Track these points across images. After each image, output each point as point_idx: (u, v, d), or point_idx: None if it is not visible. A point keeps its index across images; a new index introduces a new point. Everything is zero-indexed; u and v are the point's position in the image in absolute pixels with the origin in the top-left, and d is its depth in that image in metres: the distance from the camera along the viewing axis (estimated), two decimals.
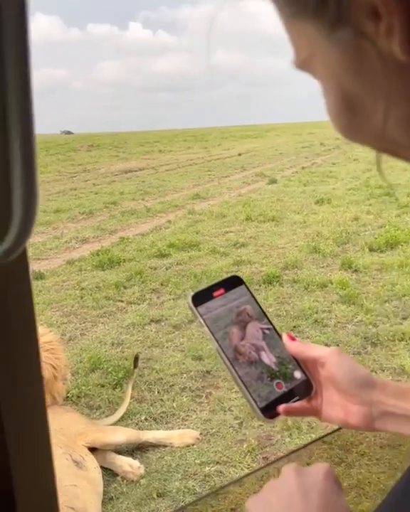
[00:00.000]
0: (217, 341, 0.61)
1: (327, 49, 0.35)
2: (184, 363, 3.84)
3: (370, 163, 12.44)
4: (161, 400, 3.41)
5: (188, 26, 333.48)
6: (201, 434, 3.05)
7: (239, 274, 0.66)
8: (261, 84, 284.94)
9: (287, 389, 0.63)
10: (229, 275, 0.66)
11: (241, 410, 3.23)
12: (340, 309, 4.62)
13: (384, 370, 3.63)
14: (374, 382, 0.63)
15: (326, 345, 3.45)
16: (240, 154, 22.14)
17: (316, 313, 4.55)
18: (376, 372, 3.57)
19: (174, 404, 3.35)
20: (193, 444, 2.96)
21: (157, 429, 3.11)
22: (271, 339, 0.65)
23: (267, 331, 0.65)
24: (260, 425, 3.09)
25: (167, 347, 4.13)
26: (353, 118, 0.37)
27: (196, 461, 2.84)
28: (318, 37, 0.34)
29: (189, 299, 0.63)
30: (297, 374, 0.65)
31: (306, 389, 0.64)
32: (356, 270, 5.62)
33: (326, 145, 24.25)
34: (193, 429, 3.10)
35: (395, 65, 0.32)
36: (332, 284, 5.20)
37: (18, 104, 0.29)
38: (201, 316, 0.62)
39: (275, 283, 5.28)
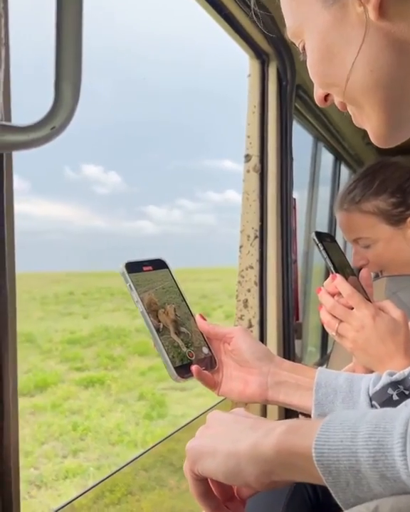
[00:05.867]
0: (143, 304, 0.69)
1: (321, 13, 0.54)
2: None
3: None
4: None
5: None
6: None
7: None
8: None
9: (196, 359, 0.72)
10: (157, 257, 0.75)
11: None
12: None
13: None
14: (272, 357, 0.75)
15: None
16: None
17: None
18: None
19: None
20: None
21: None
22: (186, 316, 0.74)
23: (184, 309, 0.75)
24: None
25: None
26: (330, 64, 0.56)
27: None
28: (316, 5, 0.55)
29: (122, 266, 0.70)
30: (205, 349, 0.74)
31: (211, 363, 0.74)
32: None
33: None
34: None
35: (369, 24, 0.52)
36: None
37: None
38: (132, 281, 0.69)
39: None
